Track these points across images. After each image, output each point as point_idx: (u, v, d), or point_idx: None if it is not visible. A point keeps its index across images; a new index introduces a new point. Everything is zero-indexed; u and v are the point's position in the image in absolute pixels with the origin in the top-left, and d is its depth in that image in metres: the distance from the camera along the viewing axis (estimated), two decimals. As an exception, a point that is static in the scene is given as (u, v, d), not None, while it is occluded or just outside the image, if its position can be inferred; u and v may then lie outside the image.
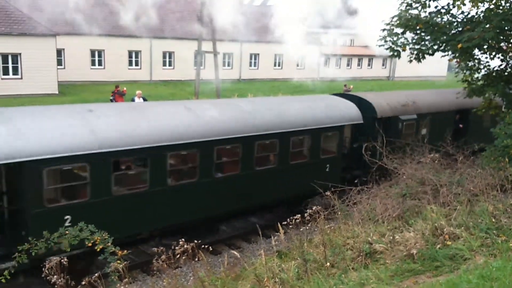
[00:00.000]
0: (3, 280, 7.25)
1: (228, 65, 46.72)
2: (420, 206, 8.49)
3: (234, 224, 13.63)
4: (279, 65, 50.80)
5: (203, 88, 30.45)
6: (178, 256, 6.65)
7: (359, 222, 8.42)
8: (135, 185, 10.47)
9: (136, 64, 41.13)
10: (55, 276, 6.09)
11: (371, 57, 57.38)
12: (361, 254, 7.13)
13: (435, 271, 6.29)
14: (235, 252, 8.80)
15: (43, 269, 6.27)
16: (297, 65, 52.15)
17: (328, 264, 7.04)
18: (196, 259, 7.27)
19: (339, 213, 9.07)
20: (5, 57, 29.82)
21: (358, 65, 57.27)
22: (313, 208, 7.54)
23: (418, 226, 7.39)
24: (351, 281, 6.26)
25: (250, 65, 48.58)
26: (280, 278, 6.66)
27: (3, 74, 29.93)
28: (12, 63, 30.16)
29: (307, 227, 7.56)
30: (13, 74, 30.31)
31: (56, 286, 6.02)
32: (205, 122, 11.32)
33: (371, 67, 58.27)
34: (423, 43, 13.28)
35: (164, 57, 42.49)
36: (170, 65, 43.08)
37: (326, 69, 54.53)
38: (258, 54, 48.61)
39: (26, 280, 9.98)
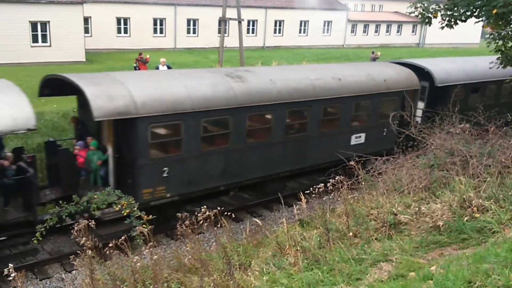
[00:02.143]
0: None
1: (252, 32, 46.00)
2: (448, 177, 8.22)
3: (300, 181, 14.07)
4: (304, 32, 49.74)
5: (227, 55, 30.10)
6: (201, 222, 6.65)
7: (383, 192, 8.24)
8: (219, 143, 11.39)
9: (161, 32, 40.90)
10: (83, 238, 6.18)
11: (400, 23, 55.61)
12: (385, 224, 6.99)
13: (461, 244, 6.12)
14: (257, 220, 8.79)
15: (72, 231, 6.36)
16: (323, 32, 51.02)
17: (351, 234, 6.94)
18: (219, 226, 7.26)
19: (363, 183, 8.90)
20: (34, 25, 29.98)
21: (387, 31, 55.58)
22: (336, 178, 7.38)
23: (445, 197, 7.17)
24: (374, 251, 6.15)
25: (275, 32, 47.70)
26: (301, 246, 6.61)
27: (33, 42, 30.18)
28: (41, 31, 30.34)
29: (330, 197, 7.43)
30: (42, 42, 30.53)
31: (84, 247, 6.11)
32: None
33: (400, 34, 56.48)
34: (455, 8, 12.64)
35: (188, 24, 42.09)
36: (194, 32, 42.69)
37: (352, 36, 53.26)
38: (283, 20, 47.63)
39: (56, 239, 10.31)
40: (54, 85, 10.68)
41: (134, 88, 9.95)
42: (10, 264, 5.57)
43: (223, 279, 6.13)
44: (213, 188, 11.33)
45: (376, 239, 6.73)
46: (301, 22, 49.00)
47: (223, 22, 27.24)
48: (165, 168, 10.29)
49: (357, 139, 14.03)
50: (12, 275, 5.45)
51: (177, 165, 10.47)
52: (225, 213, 7.47)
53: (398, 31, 56.31)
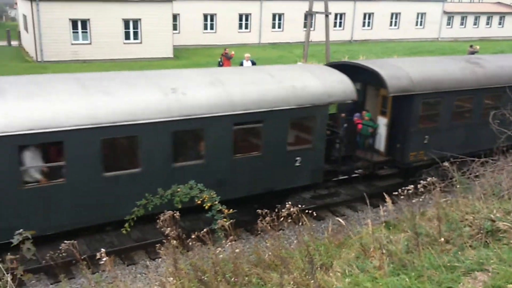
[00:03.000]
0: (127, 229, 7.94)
1: (340, 26, 45.31)
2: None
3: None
4: (395, 25, 48.05)
5: (312, 50, 29.90)
6: (282, 218, 6.66)
7: (480, 196, 7.72)
8: None
9: (246, 27, 41.61)
10: (168, 229, 6.42)
11: (502, 15, 51.81)
12: (481, 231, 6.54)
13: None
14: (340, 220, 8.64)
15: (158, 221, 6.64)
16: (416, 25, 48.94)
17: (442, 239, 6.57)
18: (300, 223, 7.23)
19: (458, 186, 8.40)
20: (126, 22, 31.88)
21: (487, 24, 52.06)
22: (428, 179, 7.03)
23: (552, 204, 6.56)
24: (468, 259, 5.77)
25: (363, 25, 46.59)
26: (387, 249, 6.38)
27: (125, 39, 32.10)
28: (133, 28, 32.18)
29: (421, 199, 7.09)
30: (134, 39, 32.39)
31: (168, 237, 6.35)
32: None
33: (503, 26, 52.65)
34: None
35: (273, 19, 42.42)
36: (279, 27, 42.93)
37: (448, 29, 50.55)
38: (373, 13, 46.36)
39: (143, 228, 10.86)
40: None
41: (410, 71, 12.45)
42: (102, 249, 5.94)
43: (303, 278, 6.08)
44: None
45: (470, 246, 6.32)
46: (392, 14, 47.42)
47: (309, 16, 27.09)
48: (426, 136, 12.74)
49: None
50: (104, 259, 5.80)
51: (434, 134, 12.90)
52: (307, 211, 7.41)
53: (500, 23, 52.56)
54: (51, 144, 8.61)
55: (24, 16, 34.40)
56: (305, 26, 33.46)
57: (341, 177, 13.05)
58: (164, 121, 9.14)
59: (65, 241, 5.90)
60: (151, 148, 9.23)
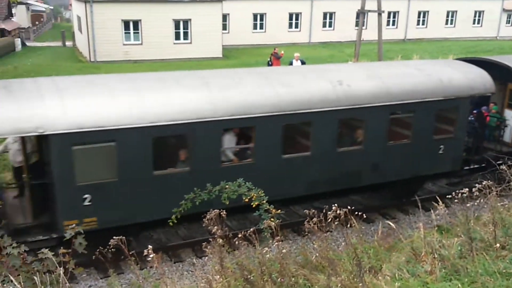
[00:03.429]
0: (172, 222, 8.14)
1: (393, 24, 44.42)
2: None
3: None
4: (451, 23, 46.55)
5: (364, 49, 29.46)
6: (330, 220, 6.62)
7: (540, 202, 7.39)
8: None
9: (296, 27, 41.56)
10: (215, 227, 6.53)
11: None
12: (541, 238, 6.27)
13: None
14: (390, 223, 8.49)
15: (204, 219, 6.77)
16: (473, 23, 47.22)
17: (497, 245, 6.35)
18: (348, 226, 7.16)
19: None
20: (177, 23, 32.63)
21: (554, 20, 49.50)
22: (484, 183, 6.80)
23: None
24: (526, 267, 5.56)
25: (418, 24, 45.43)
26: (439, 254, 6.24)
27: (175, 39, 32.85)
28: (183, 29, 32.88)
29: (476, 203, 6.87)
30: (184, 39, 33.10)
31: (215, 236, 6.46)
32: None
33: None
34: None
35: (324, 18, 42.14)
36: (330, 26, 42.59)
37: (508, 27, 48.46)
38: (428, 11, 45.14)
39: (188, 226, 11.10)
40: None
41: None
42: (149, 246, 6.12)
43: (351, 281, 6.04)
44: None
45: (529, 253, 6.07)
46: (448, 12, 45.97)
47: (361, 14, 26.72)
48: None
49: None
50: (151, 256, 5.97)
51: None
52: (356, 212, 7.34)
53: None
54: (245, 128, 10.01)
55: (78, 17, 35.92)
56: (356, 24, 33.08)
57: (472, 166, 13.56)
58: (333, 110, 10.28)
59: (114, 237, 6.11)
60: (319, 134, 10.36)
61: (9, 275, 4.98)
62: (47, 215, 9.04)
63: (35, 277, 4.98)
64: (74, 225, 6.12)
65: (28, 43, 43.67)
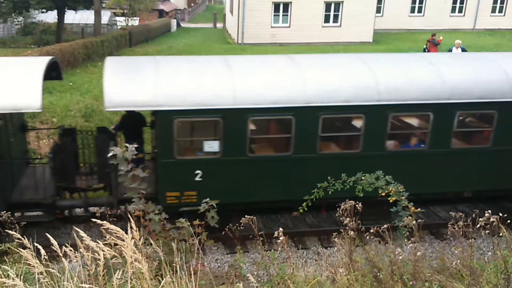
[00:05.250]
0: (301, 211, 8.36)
1: None
2: None
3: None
4: None
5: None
6: (479, 226, 6.22)
7: None
8: None
9: (460, 11, 38.77)
10: (347, 218, 6.57)
11: None
12: None
13: None
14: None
15: (338, 210, 6.84)
16: None
17: None
18: (497, 235, 6.65)
19: None
20: (328, 5, 32.58)
21: None
22: None
23: None
24: None
25: None
26: None
27: (324, 22, 32.89)
28: (334, 11, 32.75)
29: None
30: (333, 22, 32.97)
31: (347, 228, 6.50)
32: None
33: None
34: None
35: (494, 2, 38.59)
36: (500, 11, 38.91)
37: None
38: None
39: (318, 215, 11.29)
40: None
41: None
42: (280, 228, 6.39)
43: (494, 295, 5.65)
44: None
45: None
46: None
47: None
48: None
49: None
50: (281, 238, 6.22)
51: None
52: (508, 221, 6.78)
53: None
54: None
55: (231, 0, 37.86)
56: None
57: None
58: None
59: (246, 215, 6.48)
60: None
61: (149, 238, 5.60)
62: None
63: (172, 243, 5.52)
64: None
65: (182, 24, 47.43)
